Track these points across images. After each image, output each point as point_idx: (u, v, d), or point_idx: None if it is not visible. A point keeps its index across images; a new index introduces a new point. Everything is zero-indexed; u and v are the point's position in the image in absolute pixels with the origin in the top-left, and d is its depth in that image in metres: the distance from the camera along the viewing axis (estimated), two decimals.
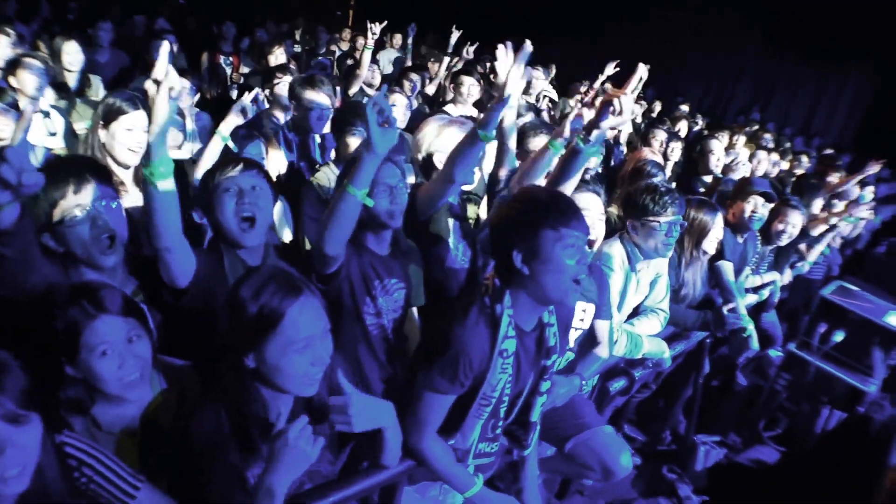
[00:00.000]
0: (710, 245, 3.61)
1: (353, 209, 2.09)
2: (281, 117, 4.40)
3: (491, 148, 4.44)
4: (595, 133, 2.40)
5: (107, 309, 1.64)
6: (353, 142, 3.43)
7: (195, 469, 1.65)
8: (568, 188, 2.54)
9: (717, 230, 3.60)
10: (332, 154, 3.86)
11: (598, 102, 2.41)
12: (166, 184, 1.83)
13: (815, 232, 5.07)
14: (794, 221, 4.49)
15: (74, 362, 1.64)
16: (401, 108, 4.85)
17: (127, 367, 1.67)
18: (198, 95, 4.83)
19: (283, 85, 4.40)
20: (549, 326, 2.18)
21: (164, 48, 1.79)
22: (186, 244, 2.03)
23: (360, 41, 8.57)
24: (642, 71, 2.38)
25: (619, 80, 2.44)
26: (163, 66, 1.74)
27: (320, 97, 3.86)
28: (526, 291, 2.03)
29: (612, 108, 2.36)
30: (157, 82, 1.74)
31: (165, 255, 1.96)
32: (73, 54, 5.01)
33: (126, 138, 2.60)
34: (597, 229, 2.78)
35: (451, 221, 2.94)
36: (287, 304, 1.61)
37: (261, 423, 1.70)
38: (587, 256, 2.00)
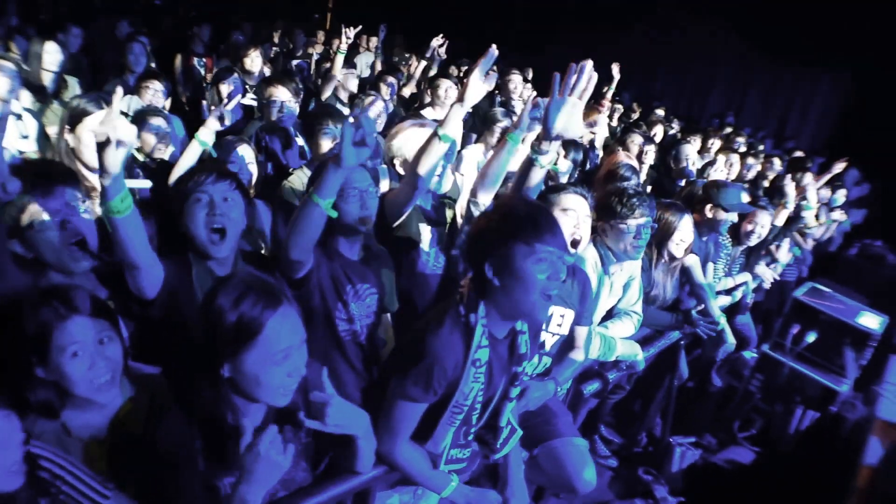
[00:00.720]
0: (676, 247, 3.63)
1: (316, 217, 2.08)
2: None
3: (473, 156, 4.51)
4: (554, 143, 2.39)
5: (77, 309, 1.63)
6: (325, 142, 3.44)
7: (162, 477, 1.63)
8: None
9: (682, 231, 3.62)
10: None
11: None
12: (127, 214, 1.79)
13: (779, 220, 5.11)
14: (763, 222, 4.57)
15: (45, 364, 1.62)
16: (376, 112, 4.85)
17: (97, 368, 1.66)
18: (170, 98, 4.80)
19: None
20: (521, 334, 2.18)
21: (118, 94, 1.75)
22: (154, 258, 2.00)
23: (336, 43, 8.56)
24: (615, 75, 2.38)
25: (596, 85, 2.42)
26: (114, 113, 1.69)
27: (279, 91, 3.87)
28: (496, 303, 2.01)
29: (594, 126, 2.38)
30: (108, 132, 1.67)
31: (133, 271, 1.95)
32: (52, 54, 4.94)
33: (89, 138, 2.56)
34: (583, 229, 2.79)
35: (424, 227, 2.93)
36: (267, 315, 1.59)
37: (233, 432, 1.68)
38: (561, 272, 1.96)
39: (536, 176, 2.46)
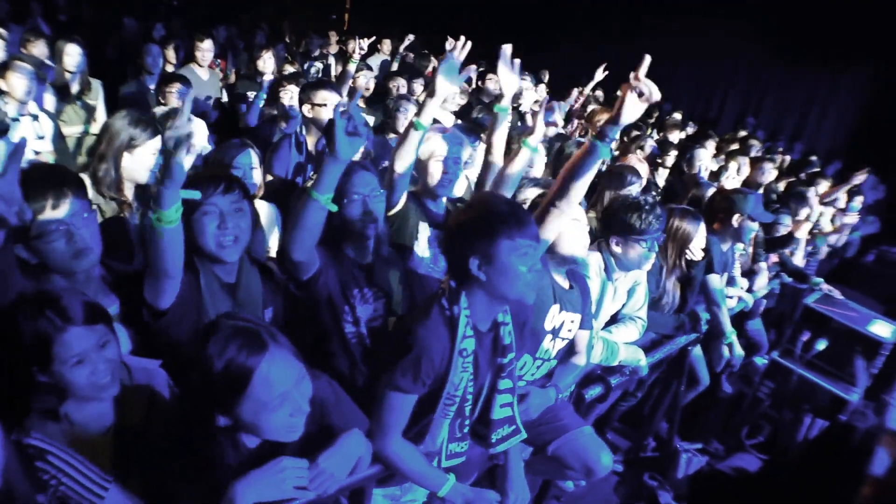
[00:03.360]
0: (693, 256, 3.62)
1: (316, 214, 2.10)
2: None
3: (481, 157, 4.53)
4: (611, 128, 2.30)
5: (72, 320, 1.63)
6: None
7: (164, 469, 1.67)
8: (581, 187, 2.46)
9: (699, 239, 3.61)
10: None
11: (619, 96, 2.34)
12: (176, 225, 1.83)
13: (801, 234, 5.09)
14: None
15: (47, 371, 1.64)
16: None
17: (99, 371, 1.69)
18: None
19: (288, 94, 4.49)
20: (503, 325, 2.21)
21: (188, 100, 1.79)
22: (182, 270, 2.01)
23: (351, 45, 8.61)
24: (647, 61, 2.31)
25: (613, 85, 2.48)
26: (185, 119, 1.73)
27: (333, 96, 3.96)
28: (483, 292, 2.07)
29: (641, 95, 2.24)
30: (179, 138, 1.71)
31: (162, 281, 1.97)
32: (73, 56, 5.04)
33: (151, 161, 2.74)
34: (585, 240, 2.82)
35: (424, 227, 2.97)
36: (254, 360, 1.57)
37: (229, 470, 1.69)
38: (538, 263, 2.05)
39: (594, 165, 2.40)
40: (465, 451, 2.30)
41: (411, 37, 8.20)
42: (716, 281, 4.04)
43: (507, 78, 2.87)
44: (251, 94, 5.57)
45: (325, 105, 3.93)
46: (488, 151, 3.05)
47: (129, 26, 7.50)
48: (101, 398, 1.75)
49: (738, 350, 4.05)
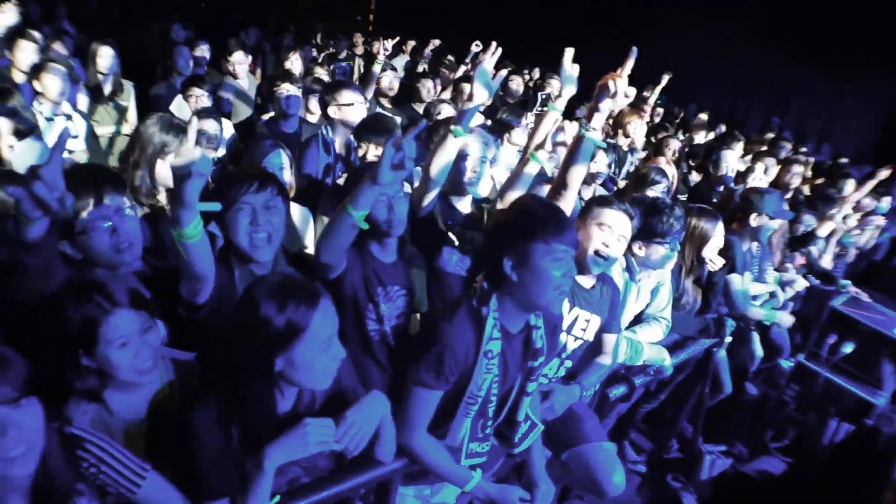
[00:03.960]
0: (709, 252, 3.61)
1: (349, 227, 2.17)
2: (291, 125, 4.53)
3: (508, 157, 4.56)
4: (595, 116, 2.52)
5: (119, 303, 1.72)
6: (373, 152, 3.48)
7: (195, 457, 1.73)
8: (576, 175, 2.64)
9: (717, 238, 3.61)
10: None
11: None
12: (198, 238, 1.87)
13: (822, 232, 5.04)
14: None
15: (92, 354, 1.72)
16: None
17: (141, 356, 1.76)
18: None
19: (281, 92, 4.55)
20: (535, 329, 2.24)
21: (192, 128, 1.84)
22: (214, 268, 2.06)
23: (376, 46, 8.65)
24: (634, 53, 2.48)
25: (631, 81, 2.56)
26: (191, 146, 1.77)
27: (357, 96, 4.01)
28: (512, 296, 2.11)
29: (608, 91, 2.48)
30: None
31: (197, 283, 2.03)
32: (106, 58, 5.13)
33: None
34: (614, 249, 2.79)
35: (451, 227, 2.98)
36: (311, 313, 1.70)
37: (271, 418, 1.81)
38: (573, 269, 2.09)
39: (585, 155, 2.65)
40: (486, 452, 2.33)
41: (436, 42, 8.22)
42: (737, 281, 4.03)
43: (568, 81, 2.88)
44: None
45: (352, 105, 3.96)
46: (527, 148, 3.09)
47: (176, 30, 7.54)
48: (142, 384, 1.82)
49: (759, 350, 4.02)
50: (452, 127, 2.65)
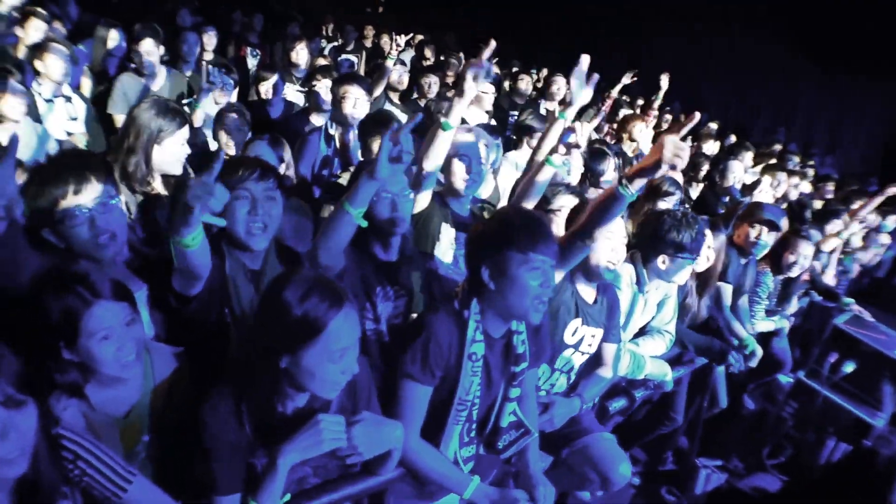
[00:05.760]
0: (699, 262, 3.49)
1: (347, 225, 2.14)
2: (317, 120, 4.47)
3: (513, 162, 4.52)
4: (638, 182, 2.23)
5: (100, 294, 1.67)
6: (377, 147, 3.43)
7: (208, 452, 1.73)
8: (604, 229, 2.49)
9: (718, 250, 3.58)
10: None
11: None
12: (198, 247, 1.83)
13: (827, 247, 4.99)
14: (805, 252, 4.37)
15: (73, 347, 1.67)
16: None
17: (125, 349, 1.71)
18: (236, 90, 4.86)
19: (321, 87, 4.48)
20: (517, 334, 2.25)
21: (218, 163, 1.76)
22: (210, 266, 2.02)
23: (385, 39, 8.59)
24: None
25: (639, 90, 2.48)
26: (212, 179, 1.72)
27: (358, 90, 3.96)
28: (491, 304, 2.13)
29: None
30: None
31: (191, 280, 2.00)
32: (115, 41, 5.08)
33: (181, 151, 2.69)
34: (619, 254, 2.78)
35: (448, 228, 2.98)
36: (332, 314, 1.66)
37: (280, 418, 1.79)
38: (552, 280, 2.09)
39: (618, 213, 2.40)
40: (473, 455, 2.32)
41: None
42: (727, 291, 4.01)
43: (579, 89, 2.87)
44: (288, 86, 5.57)
45: (356, 99, 3.94)
46: (535, 153, 3.07)
47: (182, 16, 7.44)
48: (125, 378, 1.78)
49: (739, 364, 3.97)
50: (442, 120, 2.66)
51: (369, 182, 2.07)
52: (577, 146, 2.93)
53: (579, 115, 5.64)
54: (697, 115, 2.19)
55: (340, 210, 2.11)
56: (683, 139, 2.09)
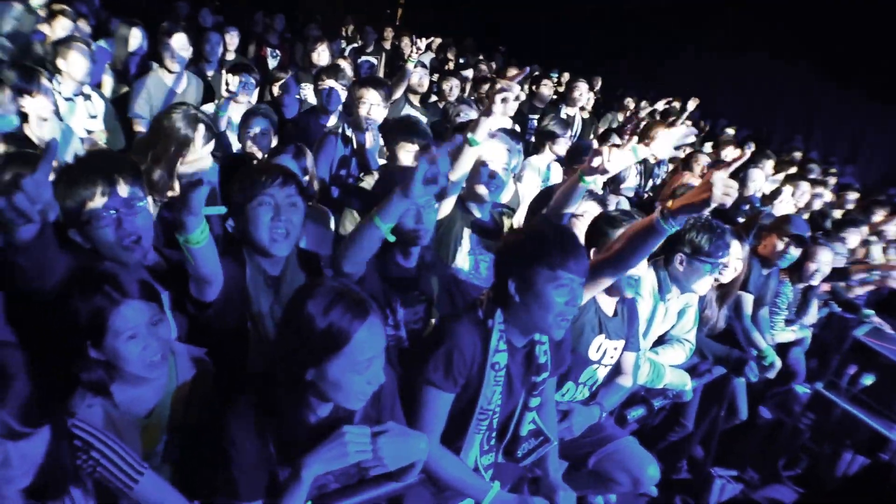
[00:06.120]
0: (726, 273, 3.49)
1: (375, 238, 2.13)
2: (331, 119, 4.49)
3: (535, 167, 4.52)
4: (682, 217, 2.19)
5: (128, 294, 1.68)
6: (402, 156, 3.42)
7: (231, 460, 1.71)
8: (639, 261, 2.45)
9: (738, 260, 3.55)
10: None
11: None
12: (204, 244, 1.84)
13: (858, 277, 4.96)
14: (825, 260, 4.39)
15: (100, 346, 1.68)
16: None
17: (150, 349, 1.73)
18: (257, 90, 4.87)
19: (325, 87, 4.48)
20: (539, 344, 2.24)
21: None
22: (220, 271, 2.03)
23: (405, 40, 8.58)
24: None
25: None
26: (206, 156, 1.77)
27: (370, 95, 3.95)
28: (515, 316, 2.11)
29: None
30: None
31: (203, 284, 2.00)
32: (137, 39, 5.11)
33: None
34: (644, 266, 2.80)
35: (468, 233, 2.97)
36: (356, 325, 1.64)
37: (304, 429, 1.78)
38: (578, 299, 2.07)
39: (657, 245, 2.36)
40: (493, 463, 2.32)
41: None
42: (748, 301, 3.98)
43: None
44: (304, 87, 5.59)
45: (373, 105, 3.94)
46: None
47: (204, 15, 7.48)
48: (150, 378, 1.79)
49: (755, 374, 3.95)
50: (469, 136, 2.63)
51: (402, 200, 2.05)
52: (605, 171, 2.81)
53: (604, 138, 5.67)
54: (749, 152, 2.16)
55: (370, 224, 2.09)
56: (732, 175, 2.06)
